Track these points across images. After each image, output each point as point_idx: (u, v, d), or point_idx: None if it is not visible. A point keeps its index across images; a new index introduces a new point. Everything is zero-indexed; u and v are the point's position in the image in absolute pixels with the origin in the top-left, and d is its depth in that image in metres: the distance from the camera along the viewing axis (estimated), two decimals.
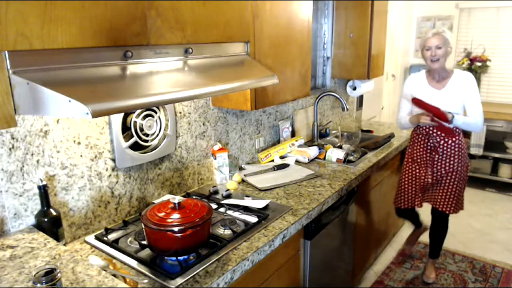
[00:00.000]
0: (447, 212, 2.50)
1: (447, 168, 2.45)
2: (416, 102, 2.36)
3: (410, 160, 2.58)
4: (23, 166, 1.35)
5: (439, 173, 2.47)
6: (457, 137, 2.43)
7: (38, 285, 0.98)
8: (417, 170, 2.52)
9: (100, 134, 1.57)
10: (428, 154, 2.48)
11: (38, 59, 1.03)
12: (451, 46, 2.37)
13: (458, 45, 4.62)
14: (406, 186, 2.59)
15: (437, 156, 2.45)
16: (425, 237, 3.34)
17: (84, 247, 1.47)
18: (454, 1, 4.51)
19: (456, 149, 2.43)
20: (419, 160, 2.52)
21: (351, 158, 2.49)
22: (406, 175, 2.58)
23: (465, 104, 2.36)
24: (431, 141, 2.45)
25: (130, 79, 1.23)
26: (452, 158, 2.43)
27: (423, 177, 2.51)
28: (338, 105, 3.40)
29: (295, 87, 2.19)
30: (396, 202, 2.67)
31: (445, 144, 2.42)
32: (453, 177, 2.46)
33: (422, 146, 2.50)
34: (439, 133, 2.42)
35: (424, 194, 2.58)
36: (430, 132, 2.45)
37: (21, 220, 1.37)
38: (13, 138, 1.31)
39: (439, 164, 2.46)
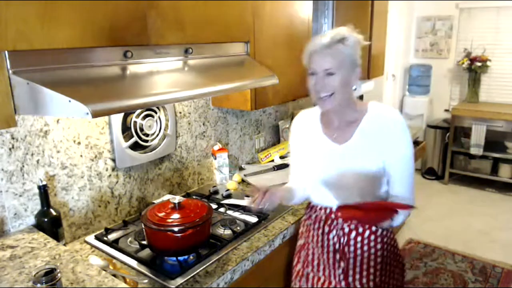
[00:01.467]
0: None
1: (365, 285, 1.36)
2: (342, 213, 1.29)
3: (301, 259, 1.50)
4: (23, 166, 1.35)
5: None
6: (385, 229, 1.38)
7: (38, 285, 0.98)
8: (314, 280, 1.44)
9: (100, 134, 1.57)
10: (329, 259, 1.40)
11: (38, 59, 1.03)
12: (359, 62, 1.29)
13: (458, 45, 4.62)
14: None
15: (343, 263, 1.37)
16: (425, 237, 3.34)
17: (84, 247, 1.47)
18: (454, 1, 4.51)
19: (384, 252, 1.38)
20: (315, 267, 1.44)
21: None
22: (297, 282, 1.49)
23: (387, 167, 1.31)
24: (333, 233, 1.38)
25: (130, 79, 1.23)
26: (373, 269, 1.36)
27: None
28: None
29: (295, 87, 2.19)
30: None
31: (361, 241, 1.36)
32: None
33: (317, 242, 1.43)
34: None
35: None
36: (333, 216, 1.38)
37: (21, 220, 1.37)
38: (13, 138, 1.31)
39: (349, 277, 1.37)
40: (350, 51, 1.25)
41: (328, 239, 1.39)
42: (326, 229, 1.39)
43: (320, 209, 1.42)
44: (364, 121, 1.32)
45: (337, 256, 1.38)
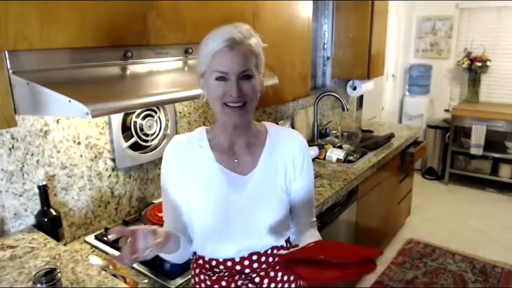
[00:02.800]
0: None
1: None
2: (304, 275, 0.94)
3: None
4: (23, 166, 1.35)
5: None
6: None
7: (38, 285, 0.98)
8: None
9: (100, 134, 1.57)
10: None
11: (38, 59, 1.03)
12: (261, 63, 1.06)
13: (459, 45, 4.62)
14: None
15: None
16: (425, 237, 3.34)
17: (84, 247, 1.47)
18: (455, 1, 4.51)
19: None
20: None
21: (351, 158, 2.49)
22: None
23: (293, 194, 1.11)
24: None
25: (130, 79, 1.23)
26: None
27: None
28: (338, 105, 3.40)
29: (295, 87, 2.19)
30: None
31: None
32: None
33: None
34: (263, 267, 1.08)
35: None
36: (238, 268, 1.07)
37: (21, 220, 1.37)
38: (13, 138, 1.31)
39: None
40: (261, 50, 1.04)
41: None
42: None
43: (218, 264, 1.06)
44: (268, 144, 1.08)
45: None
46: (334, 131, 3.17)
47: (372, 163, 2.42)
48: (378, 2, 2.94)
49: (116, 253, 1.40)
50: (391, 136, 2.93)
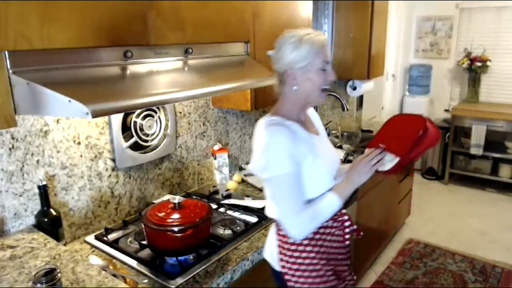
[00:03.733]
0: None
1: None
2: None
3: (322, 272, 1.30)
4: (23, 166, 1.34)
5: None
6: None
7: (38, 285, 0.98)
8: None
9: (100, 134, 1.57)
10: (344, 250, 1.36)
11: (38, 59, 1.03)
12: None
13: (459, 45, 4.62)
14: None
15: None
16: (425, 237, 3.34)
17: (84, 247, 1.47)
18: (454, 1, 4.51)
19: None
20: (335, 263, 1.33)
21: (351, 158, 2.49)
22: None
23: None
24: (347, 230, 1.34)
25: (130, 79, 1.23)
26: None
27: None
28: (338, 105, 3.40)
29: None
30: None
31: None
32: None
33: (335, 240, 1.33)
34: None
35: None
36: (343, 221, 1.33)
37: (21, 220, 1.37)
38: (13, 138, 1.31)
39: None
40: None
41: (344, 239, 1.33)
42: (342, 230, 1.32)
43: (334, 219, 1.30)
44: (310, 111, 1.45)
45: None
46: (334, 131, 3.17)
47: None
48: (378, 2, 2.94)
49: (116, 253, 1.40)
50: None
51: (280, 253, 1.30)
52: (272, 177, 1.19)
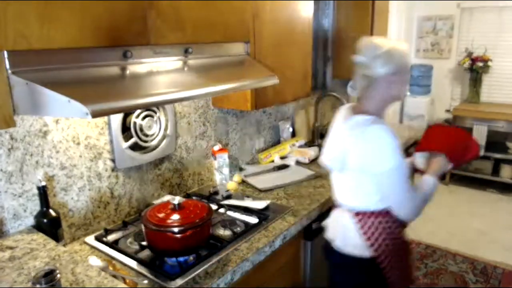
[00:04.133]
0: None
1: None
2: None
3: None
4: (22, 166, 1.34)
5: None
6: None
7: (38, 286, 0.98)
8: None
9: (100, 135, 1.56)
10: None
11: (37, 59, 1.02)
12: None
13: (460, 45, 4.61)
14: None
15: None
16: (426, 238, 3.33)
17: (84, 248, 1.46)
18: (456, 1, 4.51)
19: None
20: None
21: None
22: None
23: None
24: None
25: (129, 79, 1.23)
26: None
27: None
28: (338, 105, 3.39)
29: (295, 87, 2.18)
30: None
31: None
32: None
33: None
34: None
35: None
36: None
37: (20, 221, 1.37)
38: (12, 139, 1.30)
39: None
40: None
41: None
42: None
43: None
44: None
45: None
46: None
47: None
48: (378, 2, 2.93)
49: (116, 253, 1.40)
50: None
51: (369, 239, 1.44)
52: (389, 169, 1.33)
